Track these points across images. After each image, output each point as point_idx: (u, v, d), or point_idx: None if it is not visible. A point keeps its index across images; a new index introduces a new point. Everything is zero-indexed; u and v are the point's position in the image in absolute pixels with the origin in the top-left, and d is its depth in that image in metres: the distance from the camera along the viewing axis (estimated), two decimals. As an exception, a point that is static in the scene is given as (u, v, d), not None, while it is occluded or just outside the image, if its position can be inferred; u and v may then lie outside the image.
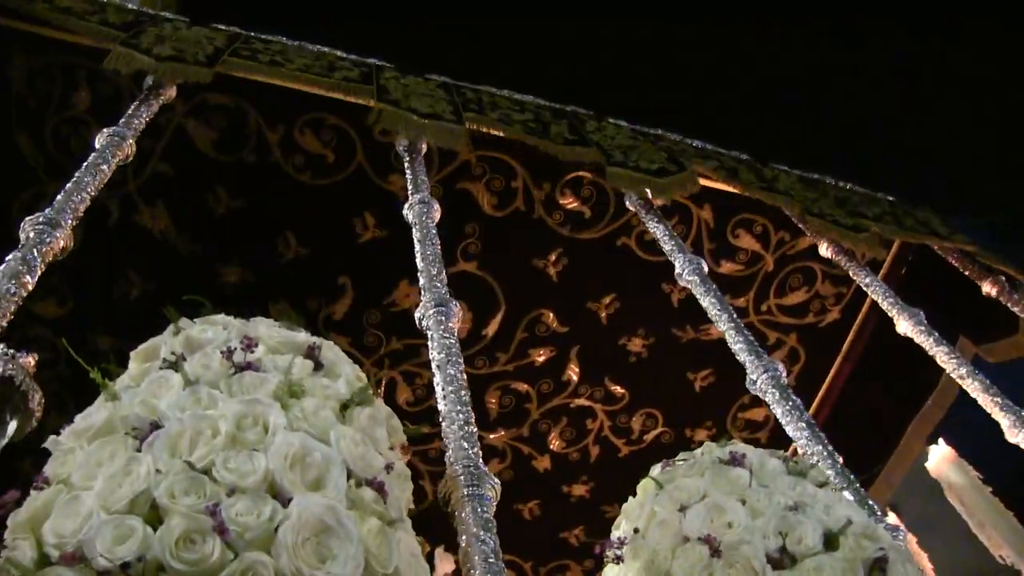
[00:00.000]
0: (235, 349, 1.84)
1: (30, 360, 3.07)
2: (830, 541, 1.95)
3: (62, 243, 2.54)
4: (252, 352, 1.85)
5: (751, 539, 1.93)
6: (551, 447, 5.33)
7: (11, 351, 3.01)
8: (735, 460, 2.21)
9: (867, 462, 5.18)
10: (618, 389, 5.23)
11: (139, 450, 1.56)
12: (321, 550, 1.45)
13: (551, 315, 4.94)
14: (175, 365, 1.84)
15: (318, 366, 1.95)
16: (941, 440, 4.34)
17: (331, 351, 2.03)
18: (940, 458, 4.15)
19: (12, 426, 2.99)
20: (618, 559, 2.15)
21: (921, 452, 5.04)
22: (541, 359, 5.06)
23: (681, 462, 2.33)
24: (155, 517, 1.42)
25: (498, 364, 5.01)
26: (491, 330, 4.90)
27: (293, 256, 4.55)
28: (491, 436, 5.22)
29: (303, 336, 2.02)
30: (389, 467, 1.75)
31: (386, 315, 4.71)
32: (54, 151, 4.14)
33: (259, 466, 1.53)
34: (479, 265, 4.72)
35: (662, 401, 5.34)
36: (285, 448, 1.57)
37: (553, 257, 4.79)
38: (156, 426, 1.61)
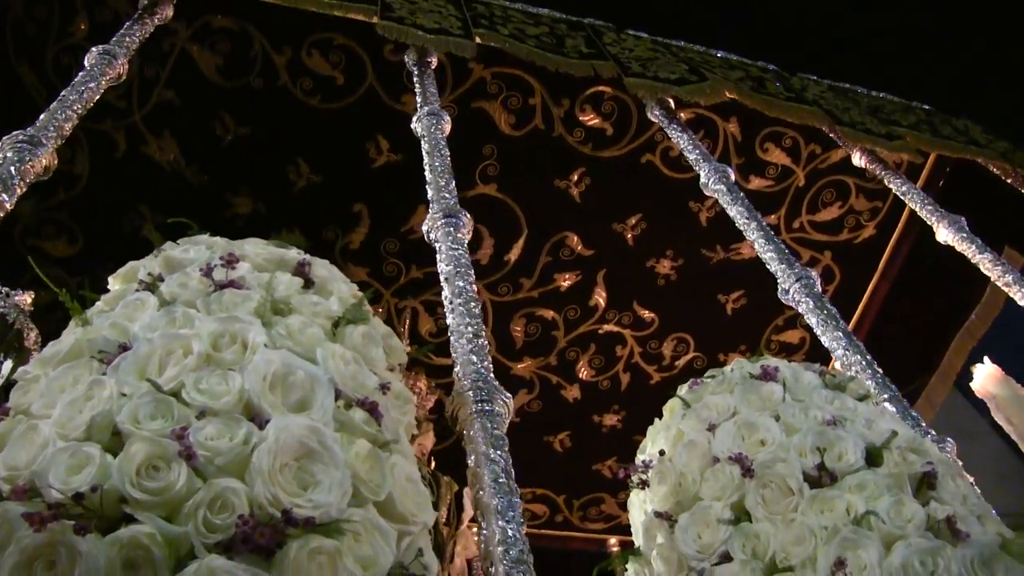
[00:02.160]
0: (215, 266, 1.69)
1: (26, 298, 2.96)
2: (873, 457, 1.79)
3: (44, 162, 2.39)
4: (234, 269, 1.70)
5: (786, 457, 1.77)
6: (580, 376, 5.19)
7: (4, 289, 2.88)
8: (767, 375, 2.05)
9: (908, 382, 5.00)
10: (647, 314, 5.07)
11: (105, 374, 1.42)
12: (303, 476, 1.30)
13: (575, 238, 4.77)
14: (152, 286, 1.70)
15: (308, 283, 1.80)
16: (987, 359, 4.15)
17: (324, 268, 1.88)
18: (986, 376, 3.97)
19: (7, 365, 2.88)
20: (643, 483, 2.00)
21: (964, 371, 4.87)
22: (566, 284, 4.90)
23: (709, 379, 2.17)
24: (117, 444, 1.28)
25: (522, 290, 4.86)
26: (514, 255, 4.75)
27: (306, 184, 4.41)
28: (518, 366, 5.09)
29: (293, 252, 1.88)
30: (385, 387, 1.60)
31: (404, 243, 4.56)
32: (56, 81, 4.00)
33: (234, 386, 1.39)
34: (499, 188, 4.55)
35: (693, 325, 5.18)
36: (264, 367, 1.43)
37: (575, 177, 4.61)
38: (126, 349, 1.47)
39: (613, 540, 5.29)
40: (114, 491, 1.21)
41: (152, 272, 1.74)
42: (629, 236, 4.82)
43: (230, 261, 1.70)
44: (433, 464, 4.04)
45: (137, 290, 1.70)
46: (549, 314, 4.97)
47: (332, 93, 4.24)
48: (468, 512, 4.32)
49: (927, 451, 1.84)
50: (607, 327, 5.07)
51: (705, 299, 5.09)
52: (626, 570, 2.00)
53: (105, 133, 4.17)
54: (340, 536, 1.26)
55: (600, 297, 4.97)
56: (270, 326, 1.56)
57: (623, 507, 2.15)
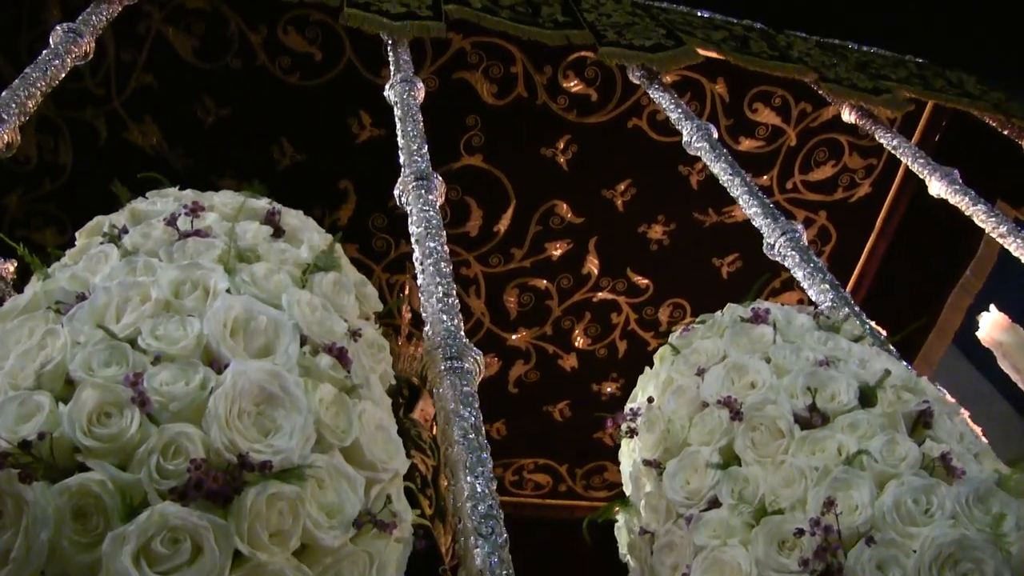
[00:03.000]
0: (180, 215, 1.64)
1: (8, 267, 2.91)
2: (867, 396, 1.74)
3: (7, 138, 2.34)
4: (199, 218, 1.65)
5: (776, 398, 1.72)
6: (576, 345, 5.14)
7: (-14, 258, 2.84)
8: (758, 317, 2.00)
9: (906, 342, 4.95)
10: (641, 280, 5.01)
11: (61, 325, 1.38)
12: (263, 422, 1.25)
13: (564, 206, 4.71)
14: (115, 239, 1.65)
15: (279, 232, 1.76)
16: (993, 307, 4.10)
17: (295, 217, 1.84)
18: (992, 323, 3.92)
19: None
20: (631, 432, 1.95)
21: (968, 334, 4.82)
22: (558, 253, 4.84)
23: (699, 324, 2.12)
24: (70, 393, 1.23)
25: (514, 261, 4.80)
26: (503, 226, 4.69)
27: (290, 163, 4.35)
28: (513, 337, 5.03)
29: (263, 202, 1.83)
30: (356, 334, 1.55)
31: (392, 217, 4.50)
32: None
33: (192, 332, 1.34)
34: (485, 158, 4.49)
35: (688, 290, 5.11)
36: (224, 312, 1.37)
37: (561, 145, 4.54)
38: (84, 299, 1.43)
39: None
40: (65, 440, 1.17)
41: (117, 225, 1.69)
42: (619, 202, 4.76)
43: (194, 210, 1.64)
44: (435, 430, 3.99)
45: (101, 243, 1.65)
46: (542, 283, 4.91)
47: (311, 70, 4.17)
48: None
49: (923, 389, 1.79)
50: (601, 295, 5.01)
51: (700, 263, 5.03)
52: (616, 521, 1.96)
53: (86, 122, 4.11)
54: (302, 482, 1.22)
55: (593, 265, 4.91)
56: (234, 273, 1.51)
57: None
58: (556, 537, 5.57)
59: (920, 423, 1.69)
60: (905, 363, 2.39)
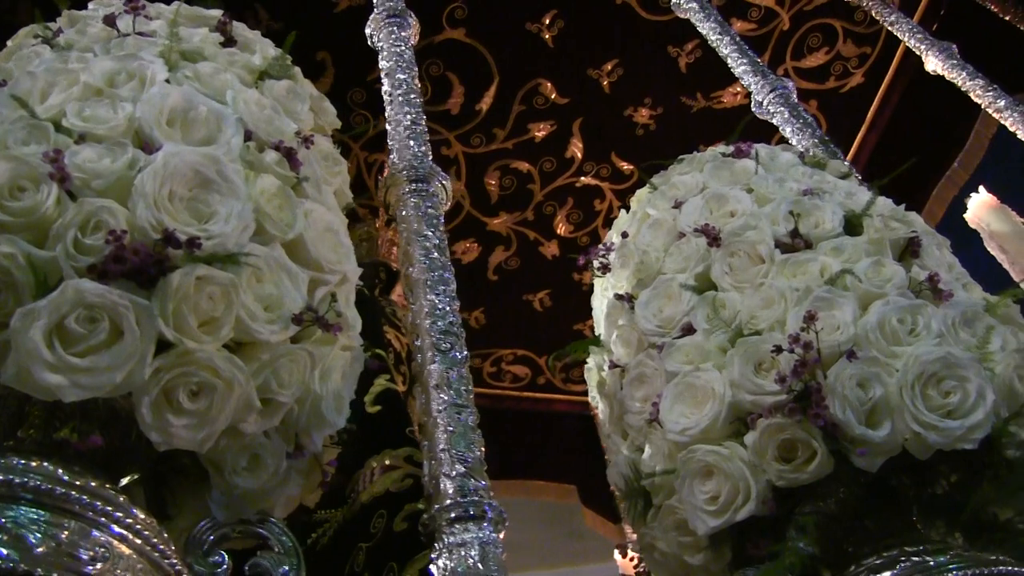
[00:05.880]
0: (120, 14, 1.50)
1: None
2: (852, 225, 1.64)
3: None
4: (139, 16, 1.51)
5: (757, 224, 1.62)
6: (558, 231, 5.02)
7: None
8: (740, 152, 1.89)
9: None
10: (626, 165, 4.87)
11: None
12: (197, 207, 1.15)
13: (549, 85, 4.55)
14: (49, 40, 1.52)
15: (230, 42, 1.63)
16: (981, 188, 4.01)
17: (247, 31, 1.71)
18: (980, 205, 3.83)
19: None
20: (604, 268, 1.86)
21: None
22: (541, 134, 4.70)
23: (678, 163, 2.02)
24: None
25: (496, 141, 4.66)
26: (485, 104, 4.53)
27: (265, 32, 4.15)
28: (494, 221, 4.91)
29: (215, 11, 1.70)
30: (307, 140, 1.43)
31: (371, 92, 4.34)
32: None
33: (122, 113, 1.22)
34: (467, 32, 4.32)
35: (674, 178, 4.99)
36: (160, 99, 1.26)
37: (547, 20, 4.37)
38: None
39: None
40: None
41: (52, 27, 1.56)
42: (605, 83, 4.61)
43: (136, 8, 1.50)
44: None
45: (34, 45, 1.52)
46: (524, 166, 4.78)
47: (288, -69, 4.01)
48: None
49: (912, 221, 1.69)
50: (584, 180, 4.88)
51: (686, 150, 4.88)
52: (586, 362, 1.87)
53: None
54: (237, 269, 1.12)
55: (576, 148, 4.77)
56: (175, 68, 1.39)
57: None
58: (534, 430, 5.55)
59: (908, 252, 1.60)
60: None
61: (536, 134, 4.68)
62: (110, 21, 1.49)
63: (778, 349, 1.36)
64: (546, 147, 4.74)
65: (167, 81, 1.33)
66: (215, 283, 1.09)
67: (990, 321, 1.43)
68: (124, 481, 1.16)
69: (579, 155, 4.80)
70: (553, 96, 4.58)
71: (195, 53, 1.47)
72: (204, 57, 1.48)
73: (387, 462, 2.46)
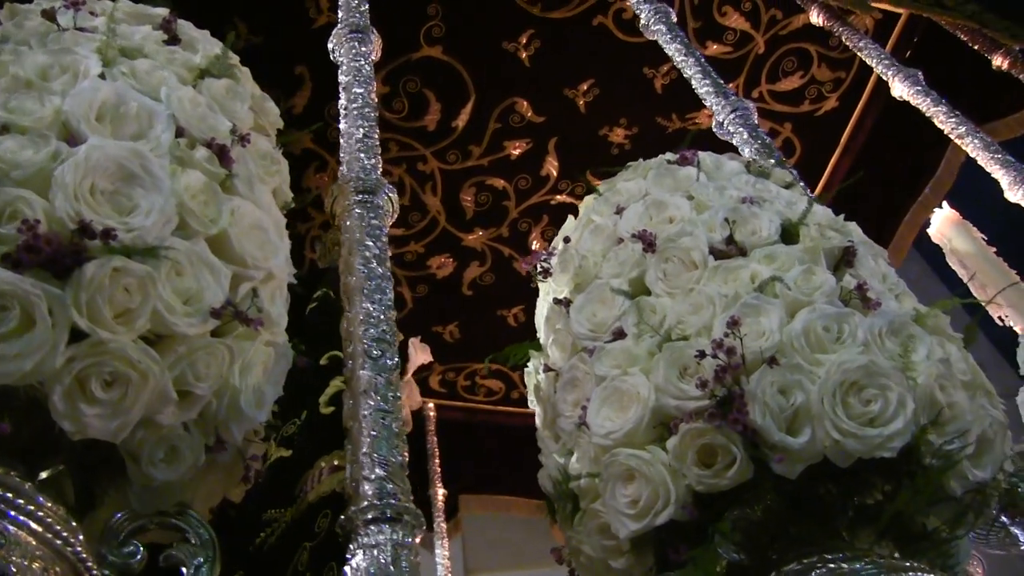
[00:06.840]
0: (59, 8, 1.52)
1: None
2: (789, 233, 1.65)
3: None
4: (81, 12, 1.52)
5: (693, 231, 1.64)
6: (533, 248, 5.04)
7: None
8: (684, 160, 1.91)
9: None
10: (601, 185, 4.89)
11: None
12: (120, 200, 1.17)
13: (525, 104, 4.59)
14: (-16, 36, 1.52)
15: (174, 40, 1.64)
16: (945, 203, 4.06)
17: (194, 30, 1.72)
18: (943, 220, 3.88)
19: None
20: (545, 272, 1.87)
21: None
22: (517, 152, 4.73)
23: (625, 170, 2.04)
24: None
25: (471, 158, 4.69)
26: (461, 121, 4.57)
27: (244, 45, 4.20)
28: (469, 237, 4.93)
29: (160, 9, 1.71)
30: (243, 138, 1.45)
31: (349, 107, 4.37)
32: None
33: (49, 105, 1.24)
34: (445, 49, 4.35)
35: (649, 198, 5.01)
36: (90, 93, 1.28)
37: (524, 39, 4.41)
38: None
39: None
40: None
41: (-10, 19, 1.57)
42: (581, 103, 4.64)
43: (76, 4, 1.51)
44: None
45: (-34, 36, 1.52)
46: (500, 183, 4.80)
47: (266, -53, 4.04)
48: (413, 362, 4.23)
49: (849, 231, 1.71)
50: (560, 198, 4.91)
51: (661, 171, 4.92)
52: (526, 366, 1.89)
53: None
54: (156, 263, 1.13)
55: (552, 167, 4.80)
56: (112, 64, 1.40)
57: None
58: (512, 445, 5.54)
59: (843, 261, 1.60)
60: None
61: (512, 152, 4.71)
62: (49, 15, 1.50)
63: (701, 354, 1.37)
64: (522, 165, 4.77)
65: (101, 76, 1.35)
66: (131, 275, 1.10)
67: (917, 331, 1.44)
68: (47, 472, 1.17)
69: (554, 173, 4.83)
70: (529, 114, 4.62)
71: (135, 50, 1.49)
72: (143, 54, 1.49)
73: (336, 463, 2.48)
